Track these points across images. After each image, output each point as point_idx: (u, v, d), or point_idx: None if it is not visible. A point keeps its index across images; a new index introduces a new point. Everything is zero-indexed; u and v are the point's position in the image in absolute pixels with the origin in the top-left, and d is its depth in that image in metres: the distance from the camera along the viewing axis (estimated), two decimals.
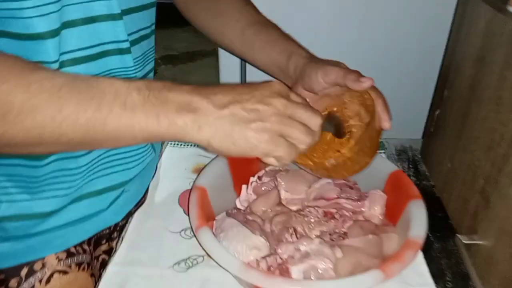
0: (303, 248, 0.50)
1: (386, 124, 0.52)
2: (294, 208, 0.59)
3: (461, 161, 0.61)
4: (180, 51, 2.88)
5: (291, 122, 0.43)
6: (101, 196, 0.59)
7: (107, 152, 0.58)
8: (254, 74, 0.94)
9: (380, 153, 0.75)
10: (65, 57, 0.49)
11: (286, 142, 0.43)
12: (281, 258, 0.50)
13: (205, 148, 0.43)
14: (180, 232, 0.62)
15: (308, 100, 0.58)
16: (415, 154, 0.77)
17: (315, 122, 0.45)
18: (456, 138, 0.63)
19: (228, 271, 0.46)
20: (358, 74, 0.53)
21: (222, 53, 0.96)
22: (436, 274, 0.56)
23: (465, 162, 0.60)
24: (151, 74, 0.65)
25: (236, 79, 1.01)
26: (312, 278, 0.48)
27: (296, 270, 0.48)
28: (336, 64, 0.56)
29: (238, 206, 0.62)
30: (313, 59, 0.58)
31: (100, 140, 0.40)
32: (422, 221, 0.51)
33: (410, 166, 0.75)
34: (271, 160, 0.44)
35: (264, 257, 0.51)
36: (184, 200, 0.66)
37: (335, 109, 0.59)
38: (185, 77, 2.41)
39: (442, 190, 0.67)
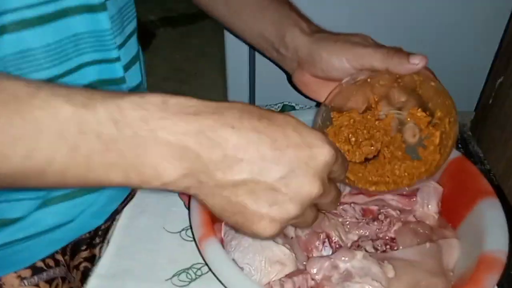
0: (343, 265, 0.38)
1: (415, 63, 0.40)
2: None
3: None
4: (179, 12, 2.68)
5: (309, 215, 0.33)
6: (77, 200, 0.46)
7: None
8: None
9: None
10: (7, 19, 0.35)
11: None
12: (313, 279, 0.38)
13: None
14: (180, 232, 0.49)
15: (316, 87, 0.46)
16: (464, 131, 0.64)
17: (330, 208, 0.35)
18: None
19: None
20: (402, 53, 0.40)
21: None
22: None
23: None
24: (134, 39, 0.50)
25: (244, 51, 0.86)
26: None
27: None
28: (362, 41, 0.43)
29: None
30: (321, 36, 0.44)
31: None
32: (501, 230, 0.38)
33: (459, 145, 0.62)
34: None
35: (290, 276, 0.38)
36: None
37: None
38: (185, 40, 2.23)
39: (504, 177, 0.54)
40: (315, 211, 0.33)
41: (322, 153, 0.30)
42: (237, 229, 0.31)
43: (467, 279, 0.35)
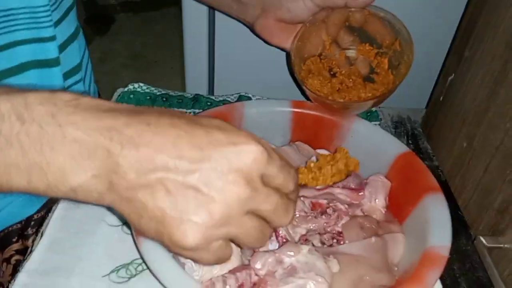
0: (287, 260, 0.37)
1: None
2: None
3: (485, 140, 0.48)
4: None
5: (242, 224, 0.28)
6: None
7: None
8: (224, 26, 0.77)
9: (375, 124, 0.62)
10: None
11: (224, 248, 0.29)
12: (257, 275, 0.37)
13: None
14: (122, 226, 0.47)
15: (279, 33, 0.51)
16: (415, 127, 0.64)
17: (285, 222, 0.30)
18: (480, 111, 0.49)
19: None
20: None
21: (186, 1, 0.77)
22: (448, 283, 0.45)
23: (491, 142, 0.47)
24: (72, 15, 0.46)
25: (203, 30, 0.83)
26: None
27: None
28: None
29: None
30: None
31: None
32: (445, 225, 0.39)
33: (409, 142, 0.62)
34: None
35: (233, 271, 0.37)
36: None
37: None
38: (147, 27, 2.15)
39: (451, 174, 0.55)
40: (256, 221, 0.28)
41: (248, 150, 0.26)
42: (160, 242, 0.28)
43: (410, 274, 0.35)
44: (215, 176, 0.26)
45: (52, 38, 0.41)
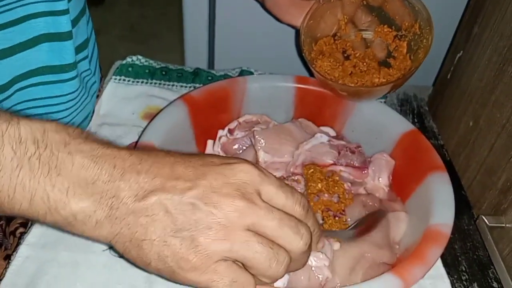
0: None
1: None
2: (276, 174, 0.45)
3: (491, 119, 0.47)
4: None
5: (248, 241, 0.26)
6: None
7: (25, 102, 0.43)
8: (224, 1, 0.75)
9: (380, 101, 0.61)
10: None
11: (230, 273, 0.27)
12: None
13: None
14: None
15: (290, 9, 0.49)
16: (421, 105, 0.63)
17: (297, 245, 0.28)
18: (487, 90, 0.48)
19: None
20: None
21: None
22: (449, 261, 0.45)
23: (497, 121, 0.46)
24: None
25: (203, 0, 0.81)
26: (302, 279, 0.35)
27: None
28: None
29: None
30: None
31: None
32: (448, 204, 0.38)
33: (415, 120, 0.61)
34: None
35: None
36: None
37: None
38: (141, 9, 2.08)
39: (456, 153, 0.55)
40: (262, 240, 0.27)
41: (241, 167, 0.27)
42: (163, 268, 0.27)
43: (412, 252, 0.35)
44: (211, 191, 0.26)
45: (66, 12, 0.40)
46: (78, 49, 0.47)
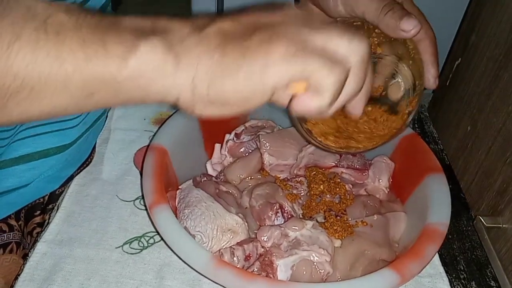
0: (292, 234, 0.39)
1: (432, 81, 0.38)
2: (280, 176, 0.47)
3: (487, 124, 0.49)
4: None
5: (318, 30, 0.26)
6: (33, 163, 0.44)
7: None
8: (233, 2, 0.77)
9: None
10: None
11: (318, 57, 0.25)
12: (263, 247, 0.39)
13: (181, 108, 0.26)
14: (134, 201, 0.49)
15: None
16: (421, 111, 0.65)
17: (359, 48, 0.26)
18: (484, 95, 0.50)
19: (193, 269, 0.34)
20: (396, 13, 0.35)
21: None
22: (447, 261, 0.46)
23: (493, 126, 0.48)
24: None
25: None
26: (304, 274, 0.37)
27: (283, 265, 0.36)
28: None
29: (209, 171, 0.49)
30: None
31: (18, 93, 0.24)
32: (445, 204, 0.40)
33: (416, 125, 0.63)
34: (303, 99, 0.26)
35: (240, 244, 0.39)
36: (141, 159, 0.52)
37: None
38: (155, 9, 2.14)
39: (455, 157, 0.56)
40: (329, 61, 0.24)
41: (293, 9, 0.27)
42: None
43: (409, 249, 0.37)
44: (267, 13, 0.26)
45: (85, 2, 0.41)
46: None
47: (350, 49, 0.25)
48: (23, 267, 0.42)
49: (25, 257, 0.48)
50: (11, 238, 0.47)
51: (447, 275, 0.44)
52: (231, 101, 0.25)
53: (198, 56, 0.24)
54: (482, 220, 0.46)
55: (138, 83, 0.24)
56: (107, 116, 0.57)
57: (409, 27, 0.34)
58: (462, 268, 0.46)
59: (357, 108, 0.29)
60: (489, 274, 0.45)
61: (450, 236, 0.49)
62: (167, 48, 0.24)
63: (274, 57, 0.24)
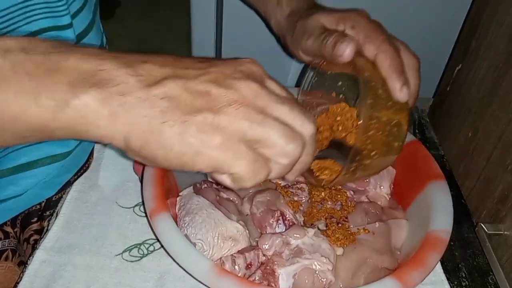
0: (294, 242, 0.38)
1: (397, 94, 0.36)
2: (281, 183, 0.47)
3: (488, 130, 0.49)
4: None
5: (265, 119, 0.26)
6: (31, 172, 0.44)
7: None
8: (232, 12, 0.77)
9: None
10: None
11: (251, 153, 0.26)
12: (264, 255, 0.38)
13: (123, 151, 0.27)
14: (133, 208, 0.48)
15: None
16: (422, 117, 0.65)
17: (307, 126, 0.28)
18: (484, 102, 0.50)
19: (194, 277, 0.34)
20: (335, 39, 0.36)
21: None
22: (449, 268, 0.46)
23: (494, 132, 0.48)
24: (90, 4, 0.47)
25: (211, 17, 0.83)
26: (306, 282, 0.36)
27: (285, 274, 0.36)
28: (337, 20, 0.39)
29: (210, 178, 0.48)
30: (307, 11, 0.41)
31: None
32: (447, 211, 0.40)
33: (416, 130, 0.63)
34: (223, 178, 0.27)
35: (242, 252, 0.38)
36: (141, 166, 0.52)
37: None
38: (152, 11, 2.14)
39: (456, 163, 0.56)
40: (277, 120, 0.26)
41: (249, 62, 0.28)
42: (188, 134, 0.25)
43: (412, 257, 0.36)
44: (223, 76, 0.26)
45: (69, 26, 0.42)
46: None
47: (285, 152, 0.27)
48: (22, 275, 0.42)
49: (20, 264, 0.48)
50: (6, 245, 0.47)
51: (448, 283, 0.44)
52: (162, 165, 0.26)
53: (136, 117, 0.25)
54: (483, 227, 0.45)
55: (71, 131, 0.25)
56: None
57: (340, 52, 0.35)
58: (463, 275, 0.46)
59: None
60: (490, 281, 0.45)
61: (451, 243, 0.49)
62: (103, 102, 0.24)
63: (208, 148, 0.25)
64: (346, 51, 0.35)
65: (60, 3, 0.40)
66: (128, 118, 0.25)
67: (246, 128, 0.25)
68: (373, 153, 0.37)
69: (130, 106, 0.24)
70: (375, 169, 0.41)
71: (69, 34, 0.43)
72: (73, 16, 0.43)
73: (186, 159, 0.25)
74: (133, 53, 0.27)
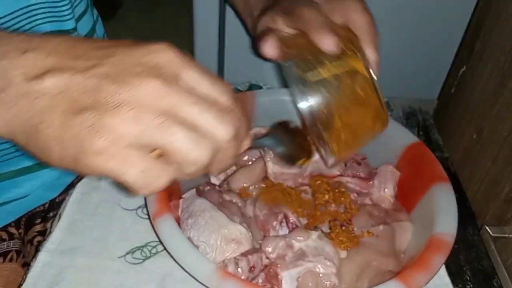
0: (297, 244, 0.38)
1: (323, 45, 0.33)
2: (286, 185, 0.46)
3: (493, 132, 0.49)
4: None
5: (164, 123, 0.22)
6: (34, 174, 0.44)
7: None
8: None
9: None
10: None
11: (144, 160, 0.23)
12: (267, 258, 0.38)
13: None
14: (136, 210, 0.48)
15: None
16: (426, 119, 0.65)
17: (222, 129, 0.24)
18: (489, 103, 0.50)
19: (197, 280, 0.33)
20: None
21: None
22: (453, 271, 0.46)
23: (500, 134, 0.47)
24: (90, 10, 0.47)
25: (214, 17, 0.83)
26: (310, 286, 0.36)
27: (288, 277, 0.36)
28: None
29: (212, 180, 0.48)
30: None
31: None
32: (452, 214, 0.39)
33: (421, 132, 0.63)
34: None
35: (245, 254, 0.38)
36: None
37: None
38: (154, 11, 2.14)
39: (461, 165, 0.56)
40: (183, 126, 0.23)
41: (160, 49, 0.23)
42: (65, 150, 0.23)
43: (416, 260, 0.36)
44: (119, 70, 0.22)
45: (74, 30, 0.42)
46: None
47: (189, 161, 0.24)
48: (25, 276, 0.42)
49: (25, 265, 0.48)
50: (11, 246, 0.47)
51: (453, 285, 0.44)
52: (54, 165, 0.24)
53: (15, 114, 0.22)
54: (488, 230, 0.45)
55: None
56: None
57: (264, 51, 0.35)
58: (468, 278, 0.45)
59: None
60: (495, 284, 0.45)
61: (456, 246, 0.48)
62: None
63: (87, 154, 0.22)
64: (264, 50, 0.35)
65: (64, 8, 0.41)
66: (8, 115, 0.22)
67: (138, 133, 0.22)
68: (339, 107, 0.36)
69: (9, 102, 0.22)
70: (363, 123, 0.39)
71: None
72: (77, 20, 0.43)
73: (68, 164, 0.23)
74: (31, 36, 0.23)
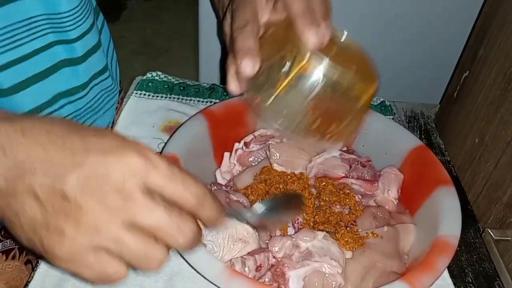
0: (303, 245, 0.39)
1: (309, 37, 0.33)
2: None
3: (496, 136, 0.49)
4: None
5: (120, 235, 0.25)
6: None
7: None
8: None
9: (389, 118, 0.63)
10: None
11: (99, 262, 0.25)
12: (274, 257, 0.39)
13: None
14: None
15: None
16: (428, 122, 0.66)
17: (176, 243, 0.26)
18: (492, 108, 0.51)
19: (206, 278, 0.34)
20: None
21: None
22: (456, 273, 0.46)
23: (502, 138, 0.48)
24: (95, 28, 0.48)
25: (218, 22, 0.84)
26: (316, 285, 0.37)
27: (295, 277, 0.36)
28: None
29: (219, 180, 0.49)
30: None
31: None
32: (455, 216, 0.40)
33: (422, 136, 0.64)
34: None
35: (252, 254, 0.39)
36: None
37: None
38: (158, 14, 2.16)
39: (462, 168, 0.57)
40: (138, 237, 0.25)
41: (125, 160, 0.25)
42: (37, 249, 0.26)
43: (421, 261, 0.37)
44: (85, 184, 0.24)
45: (78, 38, 0.43)
46: (96, 75, 0.50)
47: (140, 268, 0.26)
48: (33, 273, 0.42)
49: (27, 263, 0.48)
50: (14, 244, 0.47)
51: (455, 287, 0.44)
52: None
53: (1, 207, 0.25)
54: (490, 232, 0.46)
55: None
56: (113, 124, 0.58)
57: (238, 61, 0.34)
58: (470, 281, 0.46)
59: None
60: (497, 286, 0.45)
61: (458, 248, 0.49)
62: None
63: (50, 254, 0.25)
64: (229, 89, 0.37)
65: (67, 19, 0.41)
66: None
67: (95, 245, 0.25)
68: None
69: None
70: (348, 96, 0.37)
71: (78, 47, 0.44)
72: (83, 36, 0.44)
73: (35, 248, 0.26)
74: (16, 121, 0.25)
